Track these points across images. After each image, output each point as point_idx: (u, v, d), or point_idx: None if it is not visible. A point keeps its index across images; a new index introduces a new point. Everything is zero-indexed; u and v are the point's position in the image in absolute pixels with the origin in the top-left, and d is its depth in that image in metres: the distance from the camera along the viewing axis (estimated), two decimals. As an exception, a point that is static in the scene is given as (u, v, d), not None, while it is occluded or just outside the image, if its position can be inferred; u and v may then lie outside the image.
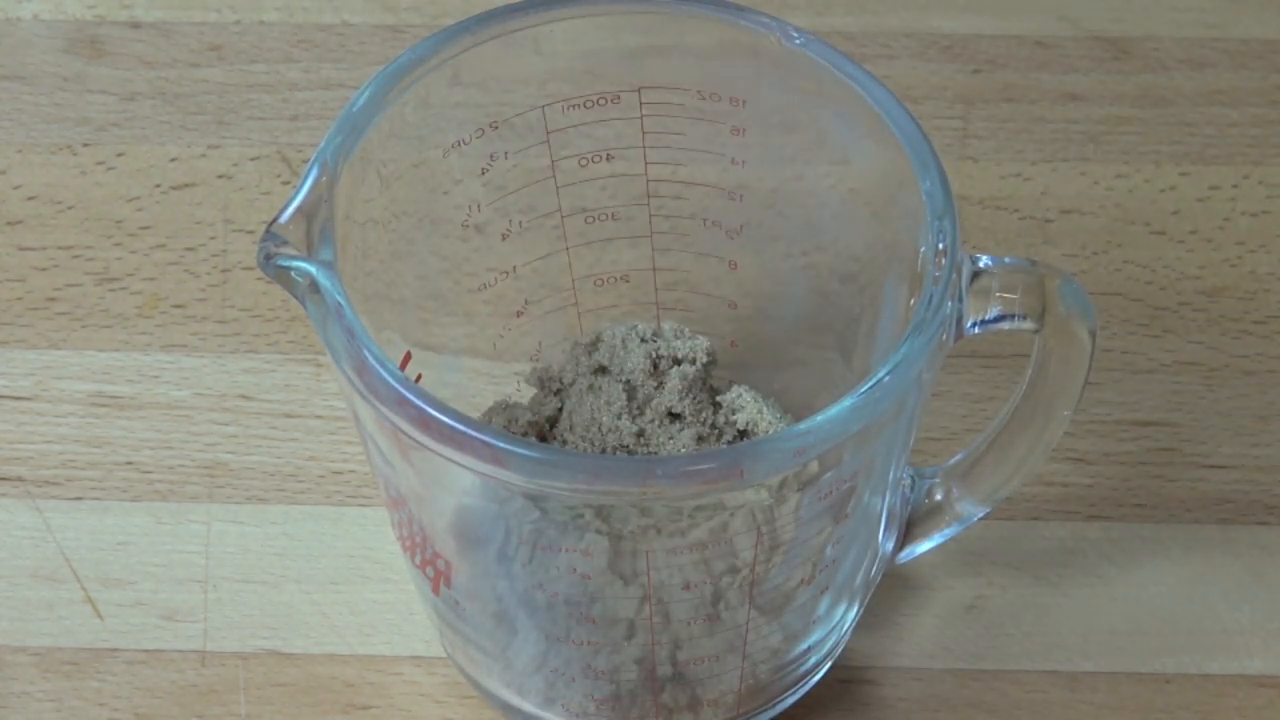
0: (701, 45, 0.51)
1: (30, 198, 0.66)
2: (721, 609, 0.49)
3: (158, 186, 0.66)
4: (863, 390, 0.44)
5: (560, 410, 0.55)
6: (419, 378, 0.51)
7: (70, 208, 0.66)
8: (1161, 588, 0.58)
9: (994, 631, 0.57)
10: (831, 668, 0.55)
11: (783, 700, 0.54)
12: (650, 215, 0.54)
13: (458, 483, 0.47)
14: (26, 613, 0.57)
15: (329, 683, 0.56)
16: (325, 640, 0.56)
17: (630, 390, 0.54)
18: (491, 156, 0.52)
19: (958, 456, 0.53)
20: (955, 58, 0.70)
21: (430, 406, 0.44)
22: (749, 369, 0.56)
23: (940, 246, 0.46)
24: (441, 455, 0.44)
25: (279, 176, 0.66)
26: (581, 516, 0.46)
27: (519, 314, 0.56)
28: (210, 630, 0.57)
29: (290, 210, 0.46)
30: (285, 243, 0.46)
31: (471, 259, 0.54)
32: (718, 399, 0.55)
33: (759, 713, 0.54)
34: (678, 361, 0.54)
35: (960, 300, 0.47)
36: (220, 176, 0.66)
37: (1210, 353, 0.62)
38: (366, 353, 0.44)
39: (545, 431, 0.55)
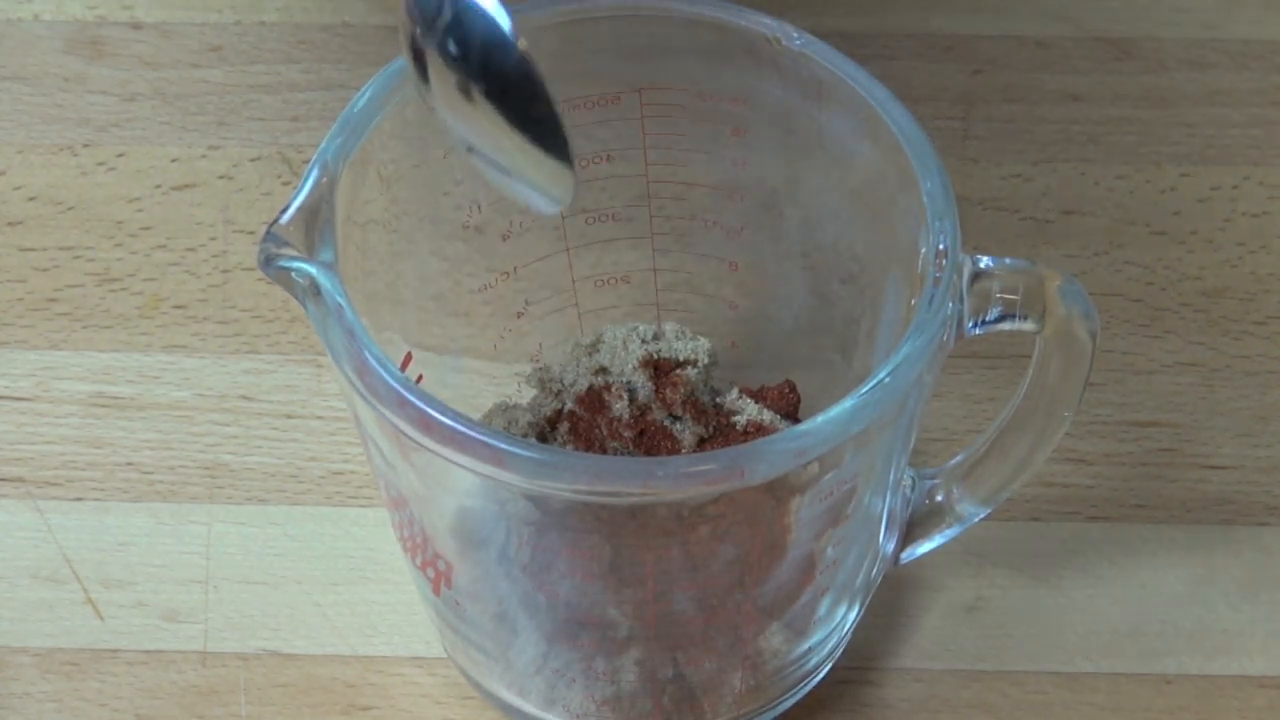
0: (702, 46, 0.51)
1: (31, 198, 0.66)
2: (722, 610, 0.49)
3: (158, 187, 0.66)
4: (863, 391, 0.44)
5: (561, 411, 0.55)
6: (419, 379, 0.51)
7: (71, 208, 0.66)
8: (1161, 588, 0.58)
9: (995, 632, 0.57)
10: (832, 668, 0.55)
11: (783, 701, 0.54)
12: (651, 216, 0.54)
13: (458, 484, 0.47)
14: (27, 613, 0.57)
15: (329, 683, 0.56)
16: (326, 641, 0.56)
17: (631, 391, 0.54)
18: (492, 157, 0.52)
19: (958, 457, 0.53)
20: (956, 58, 0.70)
21: (431, 408, 0.44)
22: (750, 370, 0.56)
23: (941, 247, 0.46)
24: (442, 456, 0.44)
25: (279, 177, 0.66)
26: (582, 518, 0.46)
27: (519, 315, 0.56)
28: (211, 631, 0.57)
29: (291, 211, 0.46)
30: (286, 244, 0.46)
31: (472, 259, 0.54)
32: (718, 400, 0.55)
33: (760, 713, 0.54)
34: (679, 363, 0.54)
35: (961, 301, 0.47)
36: (221, 177, 0.66)
37: (1210, 353, 0.62)
38: (367, 354, 0.44)
39: (546, 433, 0.55)
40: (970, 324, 0.47)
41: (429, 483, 0.47)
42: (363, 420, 0.47)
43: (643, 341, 0.55)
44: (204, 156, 0.67)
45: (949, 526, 0.54)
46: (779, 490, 0.46)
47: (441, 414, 0.43)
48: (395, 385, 0.44)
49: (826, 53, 0.49)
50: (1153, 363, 0.62)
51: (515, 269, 0.55)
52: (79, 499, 0.59)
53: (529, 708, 0.53)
